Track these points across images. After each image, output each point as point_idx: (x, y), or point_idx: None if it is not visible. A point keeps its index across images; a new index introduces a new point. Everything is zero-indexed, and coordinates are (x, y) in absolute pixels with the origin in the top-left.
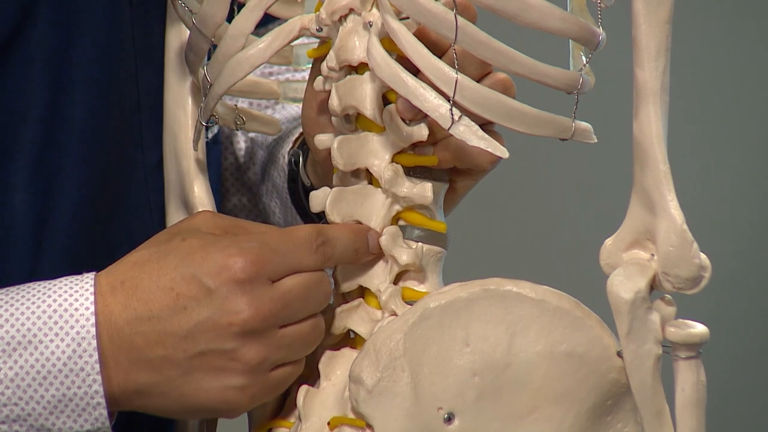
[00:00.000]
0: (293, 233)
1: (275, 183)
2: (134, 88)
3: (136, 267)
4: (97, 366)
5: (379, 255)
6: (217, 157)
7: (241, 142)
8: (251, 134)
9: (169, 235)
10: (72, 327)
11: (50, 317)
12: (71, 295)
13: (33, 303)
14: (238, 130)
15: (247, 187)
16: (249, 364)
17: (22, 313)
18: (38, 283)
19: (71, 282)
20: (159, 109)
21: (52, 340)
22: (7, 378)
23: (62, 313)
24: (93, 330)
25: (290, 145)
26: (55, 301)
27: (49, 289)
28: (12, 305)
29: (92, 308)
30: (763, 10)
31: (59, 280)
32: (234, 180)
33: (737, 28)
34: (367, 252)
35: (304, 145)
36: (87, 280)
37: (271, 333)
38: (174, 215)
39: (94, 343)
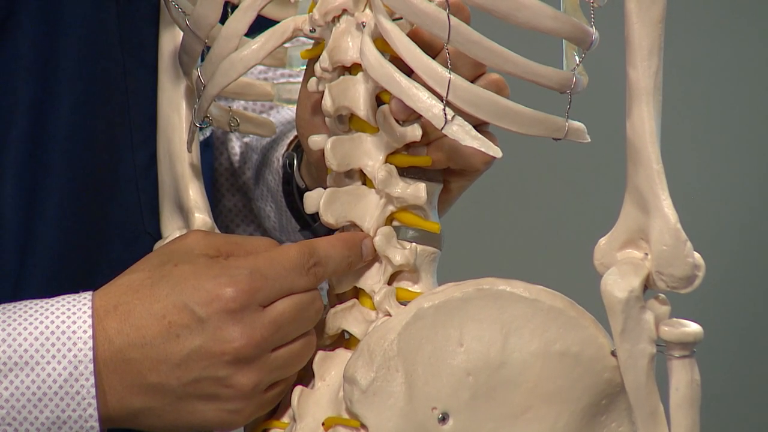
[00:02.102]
0: (284, 256)
1: (269, 186)
2: (122, 86)
3: (129, 291)
4: (93, 390)
5: (373, 257)
6: (209, 160)
7: (236, 147)
8: (246, 138)
9: (162, 258)
10: (69, 350)
11: (47, 339)
12: (69, 317)
13: (30, 324)
14: (232, 131)
15: (241, 189)
16: (242, 390)
17: (20, 334)
18: (35, 301)
19: (69, 302)
20: (149, 108)
21: (48, 362)
22: (2, 398)
23: (59, 335)
24: (90, 354)
25: (284, 148)
26: (52, 322)
27: (47, 309)
28: (9, 324)
29: (90, 331)
30: (756, 9)
31: (57, 299)
32: (228, 182)
33: (730, 27)
34: (360, 261)
35: (298, 147)
36: (84, 301)
37: (263, 358)
38: (168, 219)
39: (91, 367)
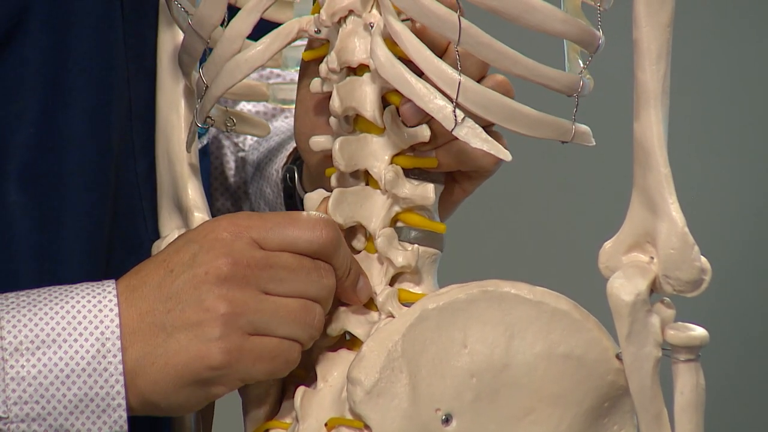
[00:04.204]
0: (297, 213)
1: (267, 199)
2: (126, 94)
3: (147, 259)
4: (121, 366)
5: (374, 256)
6: (207, 168)
7: (230, 161)
8: (240, 153)
9: None
10: (96, 327)
11: (74, 317)
12: (94, 296)
13: (56, 304)
14: (228, 132)
15: (234, 195)
16: (219, 312)
17: (46, 313)
18: (59, 286)
19: (92, 285)
20: (149, 116)
21: (76, 340)
22: (30, 375)
23: (86, 314)
24: (117, 331)
25: (284, 161)
26: (78, 302)
27: (71, 291)
28: (35, 305)
29: (116, 309)
30: (763, 12)
31: (80, 284)
32: (220, 187)
33: (737, 31)
34: (354, 283)
35: (297, 160)
36: (109, 283)
37: (248, 288)
38: (167, 218)
39: (119, 343)
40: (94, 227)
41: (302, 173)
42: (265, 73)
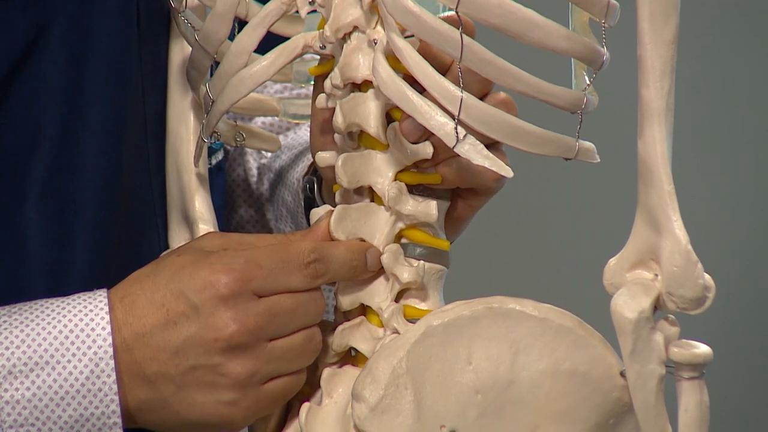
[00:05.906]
0: (284, 248)
1: (289, 206)
2: (141, 110)
3: (135, 283)
4: (115, 386)
5: (379, 272)
6: (222, 184)
7: (253, 168)
8: (263, 160)
9: (170, 252)
10: (89, 347)
11: (67, 337)
12: (86, 315)
13: (49, 323)
14: (237, 146)
15: (256, 202)
16: (237, 379)
17: (38, 334)
18: (51, 300)
19: (85, 300)
20: (163, 132)
21: (69, 360)
22: (24, 398)
23: (78, 333)
24: (110, 350)
25: (305, 171)
26: (70, 321)
27: (63, 308)
28: (27, 325)
29: (108, 328)
30: (766, 29)
31: (72, 297)
32: (243, 194)
33: (741, 48)
34: (365, 269)
35: (317, 170)
36: (100, 298)
37: (258, 347)
38: (176, 230)
39: (112, 363)
40: (106, 244)
41: (322, 184)
42: (288, 86)
